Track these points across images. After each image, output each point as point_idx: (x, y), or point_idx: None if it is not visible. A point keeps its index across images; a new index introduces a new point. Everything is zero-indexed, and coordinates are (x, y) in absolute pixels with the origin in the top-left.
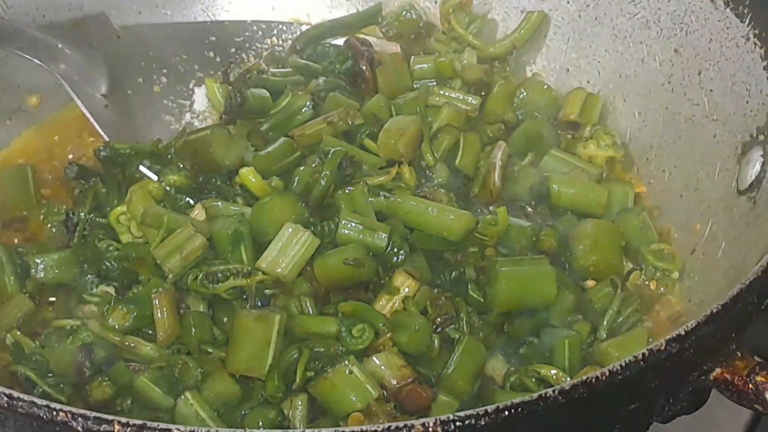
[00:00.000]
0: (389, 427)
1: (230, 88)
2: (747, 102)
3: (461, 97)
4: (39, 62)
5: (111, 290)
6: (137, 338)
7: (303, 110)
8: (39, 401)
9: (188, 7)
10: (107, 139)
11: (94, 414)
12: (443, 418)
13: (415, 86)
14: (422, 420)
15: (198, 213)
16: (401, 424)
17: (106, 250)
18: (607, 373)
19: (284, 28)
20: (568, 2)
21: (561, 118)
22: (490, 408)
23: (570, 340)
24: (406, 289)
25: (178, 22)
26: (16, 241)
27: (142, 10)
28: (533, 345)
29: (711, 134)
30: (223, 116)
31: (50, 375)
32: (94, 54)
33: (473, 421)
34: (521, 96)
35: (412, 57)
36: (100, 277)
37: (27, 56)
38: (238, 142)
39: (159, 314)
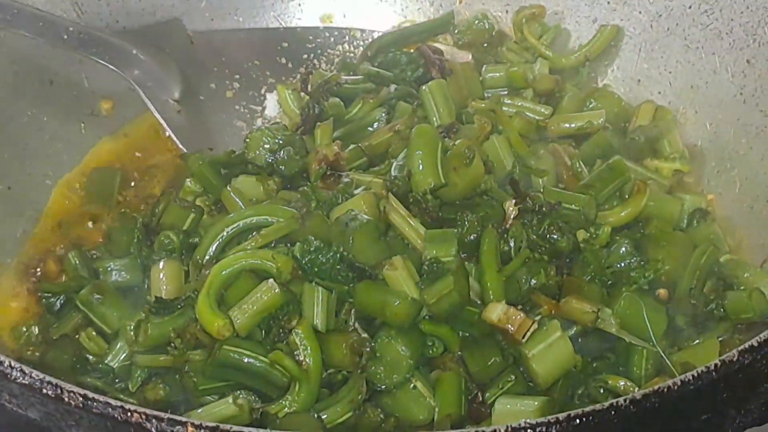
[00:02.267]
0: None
1: (308, 98)
2: None
3: (532, 107)
4: (113, 67)
5: None
6: None
7: (375, 124)
8: (114, 402)
9: (260, 14)
10: (179, 144)
11: (167, 416)
12: (514, 424)
13: (486, 95)
14: (493, 426)
15: None
16: (472, 429)
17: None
18: (679, 383)
19: (356, 35)
20: (640, 13)
21: (631, 130)
22: (561, 416)
23: (647, 350)
24: None
25: (250, 28)
26: (88, 238)
27: (214, 16)
28: (609, 360)
29: None
30: (300, 127)
31: (117, 381)
32: (168, 59)
33: (544, 429)
34: (591, 106)
35: (484, 66)
36: None
37: (101, 61)
38: None
39: None
